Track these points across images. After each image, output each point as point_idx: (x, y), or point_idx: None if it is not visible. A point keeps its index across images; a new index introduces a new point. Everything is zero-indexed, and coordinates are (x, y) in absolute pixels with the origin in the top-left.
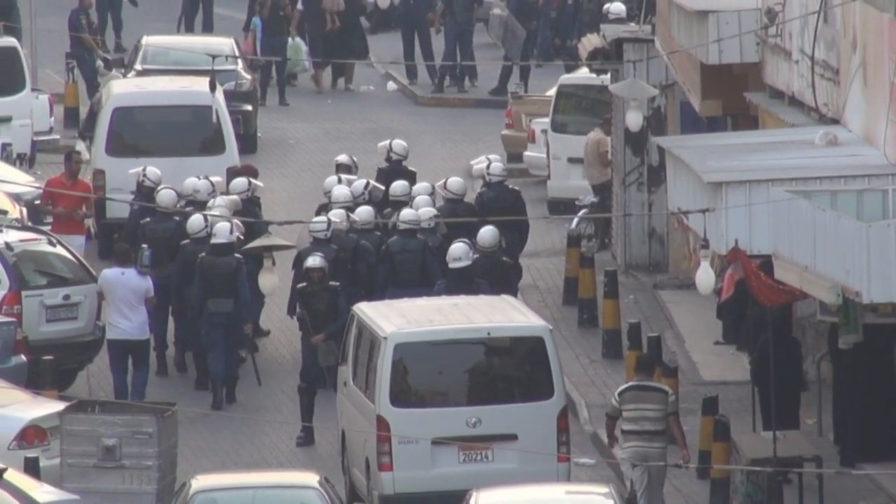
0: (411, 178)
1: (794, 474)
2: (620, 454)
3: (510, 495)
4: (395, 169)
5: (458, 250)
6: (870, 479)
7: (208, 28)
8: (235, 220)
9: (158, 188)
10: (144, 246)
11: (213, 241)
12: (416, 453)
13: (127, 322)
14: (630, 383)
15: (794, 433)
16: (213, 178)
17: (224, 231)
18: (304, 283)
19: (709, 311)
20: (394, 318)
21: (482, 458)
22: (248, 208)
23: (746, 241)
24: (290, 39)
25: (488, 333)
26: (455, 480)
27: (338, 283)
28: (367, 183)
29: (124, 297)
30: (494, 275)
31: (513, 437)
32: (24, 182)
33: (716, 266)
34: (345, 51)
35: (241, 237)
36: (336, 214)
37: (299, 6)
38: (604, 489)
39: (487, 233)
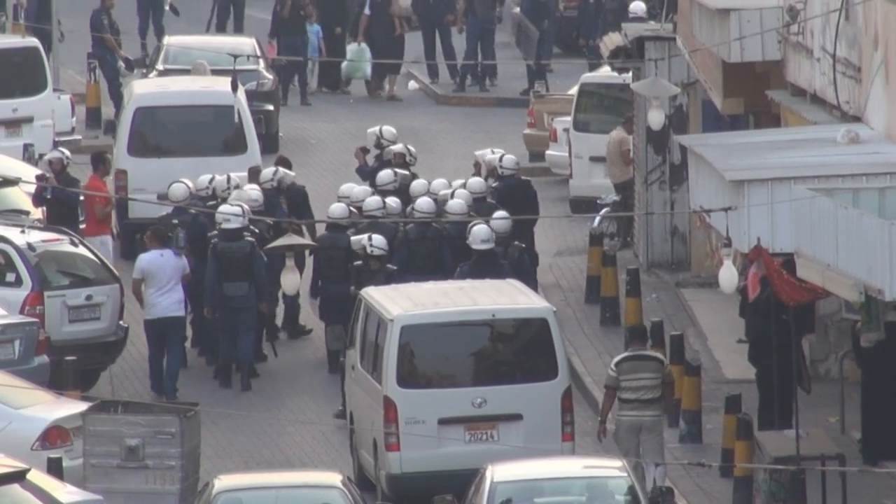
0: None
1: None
2: (616, 422)
3: (528, 469)
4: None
5: (484, 232)
6: (893, 476)
7: (239, 30)
8: (247, 208)
9: (171, 182)
10: (178, 228)
11: (226, 226)
12: (422, 433)
13: (167, 300)
14: (626, 353)
15: (816, 430)
16: (238, 175)
17: (235, 216)
18: (361, 262)
19: (731, 310)
20: (400, 301)
21: (488, 438)
22: (274, 199)
23: (769, 240)
24: (355, 45)
25: (493, 315)
26: (461, 460)
27: (395, 267)
28: (395, 172)
29: (167, 276)
30: (508, 259)
31: (518, 417)
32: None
33: (738, 264)
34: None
35: (255, 231)
36: (373, 202)
37: (366, 11)
38: (618, 463)
39: (502, 216)
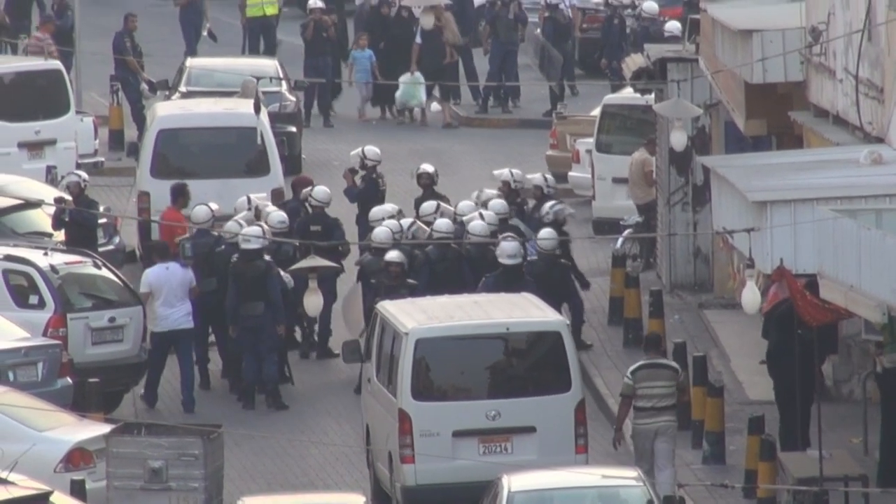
0: (382, 183)
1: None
2: (632, 430)
3: (544, 479)
4: (370, 176)
5: (512, 248)
6: None
7: (272, 53)
8: (263, 226)
9: (194, 205)
10: (185, 237)
11: (245, 246)
12: (437, 446)
13: (175, 313)
14: (641, 362)
15: (839, 451)
16: (258, 195)
17: (255, 237)
18: (375, 281)
19: (754, 331)
20: (415, 315)
21: (502, 450)
22: (326, 219)
23: (791, 261)
24: (409, 74)
25: (507, 329)
26: (475, 472)
27: (415, 282)
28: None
29: (172, 290)
30: (554, 275)
31: (531, 430)
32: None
33: (760, 285)
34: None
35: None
36: (395, 225)
37: (417, 40)
38: (633, 473)
39: (549, 235)
